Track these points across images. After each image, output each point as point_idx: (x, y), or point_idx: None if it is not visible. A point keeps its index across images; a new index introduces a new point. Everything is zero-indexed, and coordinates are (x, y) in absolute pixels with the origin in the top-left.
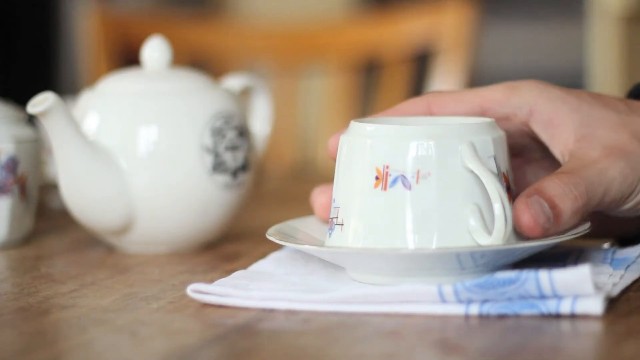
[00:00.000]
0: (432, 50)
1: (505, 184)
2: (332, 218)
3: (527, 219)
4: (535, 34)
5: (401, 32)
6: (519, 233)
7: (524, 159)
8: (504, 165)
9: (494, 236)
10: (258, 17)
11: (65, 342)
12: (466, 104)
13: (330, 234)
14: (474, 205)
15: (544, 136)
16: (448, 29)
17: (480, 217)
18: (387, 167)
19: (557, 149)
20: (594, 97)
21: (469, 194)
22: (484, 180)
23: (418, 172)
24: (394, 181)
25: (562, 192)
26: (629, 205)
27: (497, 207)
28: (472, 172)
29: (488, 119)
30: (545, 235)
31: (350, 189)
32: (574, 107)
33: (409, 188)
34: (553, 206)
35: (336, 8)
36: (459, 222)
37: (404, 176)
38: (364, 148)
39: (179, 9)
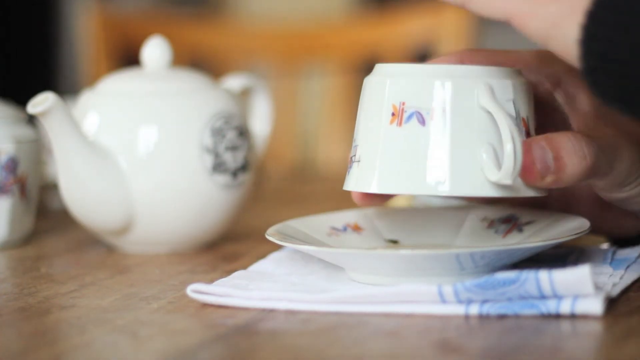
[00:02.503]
0: (432, 50)
1: (524, 128)
2: (351, 157)
3: (525, 161)
4: None
5: (401, 32)
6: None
7: (545, 127)
8: (525, 111)
9: (502, 173)
10: (258, 17)
11: (65, 342)
12: (498, 63)
13: (348, 171)
14: (489, 144)
15: (566, 108)
16: (448, 29)
17: (493, 155)
18: (403, 103)
19: (575, 123)
20: None
21: (484, 133)
22: (497, 118)
23: (433, 109)
24: (409, 117)
25: (571, 147)
26: (624, 194)
27: (509, 147)
28: (487, 112)
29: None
30: (542, 184)
31: (368, 127)
32: None
33: (423, 124)
34: (558, 157)
35: (336, 8)
36: (471, 159)
37: (419, 112)
38: (384, 86)
39: (179, 9)
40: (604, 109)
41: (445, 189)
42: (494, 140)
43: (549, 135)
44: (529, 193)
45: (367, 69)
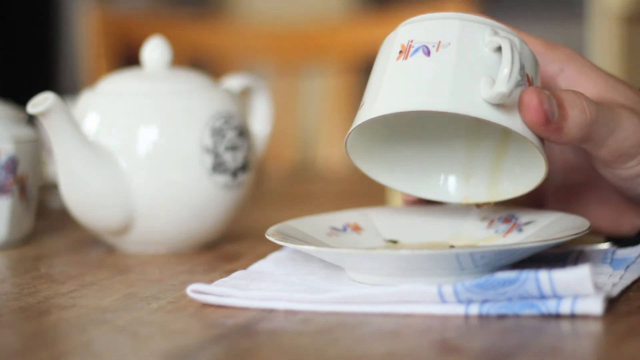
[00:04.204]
0: None
1: (527, 83)
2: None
3: (534, 99)
4: (535, 34)
5: None
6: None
7: None
8: (530, 69)
9: (494, 89)
10: (258, 17)
11: (65, 342)
12: None
13: (355, 121)
14: (489, 77)
15: None
16: None
17: (491, 82)
18: (412, 40)
19: None
20: (619, 78)
21: (486, 68)
22: (502, 46)
23: (439, 42)
24: (416, 50)
25: (572, 100)
26: (629, 170)
27: (506, 70)
28: (494, 49)
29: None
30: (545, 129)
31: (376, 72)
32: (602, 76)
33: (428, 55)
34: (561, 106)
35: (336, 8)
36: (471, 83)
37: (425, 46)
38: (395, 33)
39: (179, 9)
40: (607, 95)
41: (442, 105)
42: (495, 76)
43: (551, 90)
44: (524, 131)
45: (367, 68)
